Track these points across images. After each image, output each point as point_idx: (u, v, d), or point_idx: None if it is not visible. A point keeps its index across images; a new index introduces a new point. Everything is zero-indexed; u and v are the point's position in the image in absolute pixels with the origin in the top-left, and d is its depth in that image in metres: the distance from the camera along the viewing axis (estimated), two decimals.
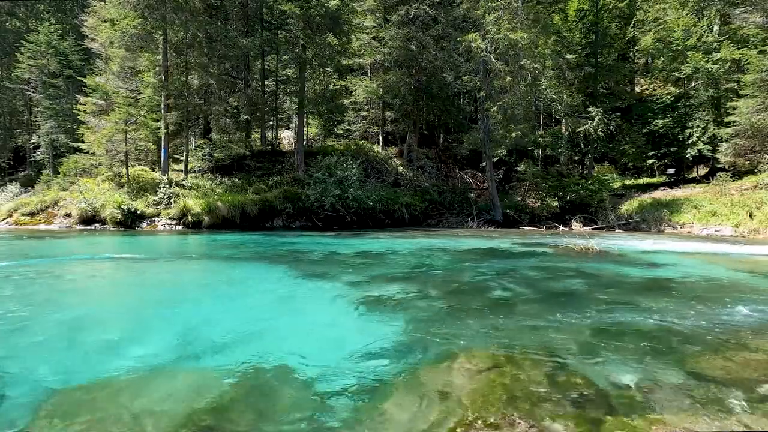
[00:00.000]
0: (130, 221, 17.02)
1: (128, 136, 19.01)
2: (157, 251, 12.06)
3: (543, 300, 6.10)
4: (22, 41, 27.50)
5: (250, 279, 7.97)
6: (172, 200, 18.02)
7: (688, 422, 2.74)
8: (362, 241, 14.09)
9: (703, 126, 21.98)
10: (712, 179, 21.14)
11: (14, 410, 2.94)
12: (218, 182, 20.00)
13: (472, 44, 20.02)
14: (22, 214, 18.56)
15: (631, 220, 19.57)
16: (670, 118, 23.47)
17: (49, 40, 26.96)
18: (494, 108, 20.49)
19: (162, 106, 19.52)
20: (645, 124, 24.50)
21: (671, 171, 24.13)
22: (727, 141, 20.21)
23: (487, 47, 20.35)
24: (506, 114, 21.50)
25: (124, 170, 19.60)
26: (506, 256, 10.80)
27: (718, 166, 21.90)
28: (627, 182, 25.71)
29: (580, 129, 22.80)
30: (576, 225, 20.43)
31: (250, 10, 22.59)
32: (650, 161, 24.62)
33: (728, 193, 18.49)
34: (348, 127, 27.91)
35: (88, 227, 17.02)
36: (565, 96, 23.44)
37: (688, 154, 22.74)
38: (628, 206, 20.48)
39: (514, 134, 21.10)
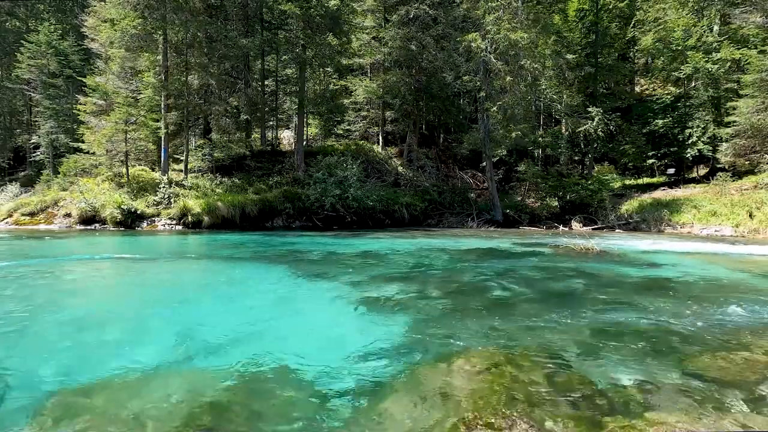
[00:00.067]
0: (130, 221, 17.02)
1: (128, 136, 19.01)
2: (157, 251, 12.06)
3: (543, 300, 6.10)
4: (22, 41, 27.50)
5: (249, 279, 7.97)
6: (172, 200, 18.02)
7: (687, 422, 2.74)
8: (362, 241, 14.09)
9: (703, 126, 21.98)
10: (712, 179, 21.14)
11: (14, 410, 2.94)
12: (218, 182, 20.00)
13: (472, 44, 20.02)
14: (22, 214, 18.56)
15: (631, 220, 19.57)
16: (670, 118, 23.47)
17: (49, 40, 26.97)
18: (494, 108, 20.49)
19: (162, 106, 19.52)
20: (645, 124, 24.50)
21: (671, 171, 24.14)
22: (727, 141, 20.21)
23: (487, 47, 20.35)
24: (506, 114, 21.50)
25: (124, 170, 19.60)
26: (506, 256, 10.79)
27: (718, 166, 21.90)
28: (627, 182, 25.71)
29: (580, 129, 22.80)
30: (576, 225, 20.43)
31: (250, 10, 22.59)
32: (650, 161, 24.62)
33: (728, 193, 18.49)
34: (348, 127, 27.91)
35: (88, 227, 17.02)
36: (565, 96, 23.44)
37: (688, 154, 22.75)
38: (628, 206, 20.48)
39: (514, 134, 21.11)
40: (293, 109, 25.98)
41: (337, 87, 27.00)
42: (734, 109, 19.57)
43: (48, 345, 4.27)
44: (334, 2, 22.33)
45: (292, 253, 10.99)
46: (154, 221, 17.47)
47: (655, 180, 25.56)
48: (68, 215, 17.84)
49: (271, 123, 26.21)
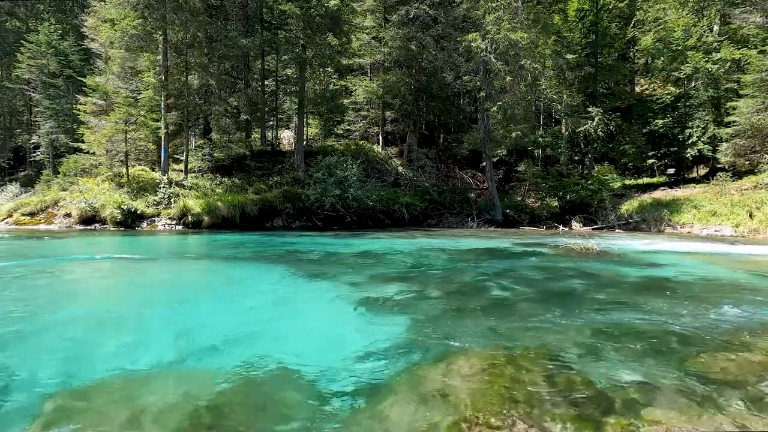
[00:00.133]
0: (130, 221, 17.02)
1: (128, 136, 19.01)
2: (157, 251, 12.07)
3: (543, 300, 6.10)
4: (22, 41, 27.51)
5: (249, 279, 7.97)
6: (172, 200, 18.03)
7: (687, 422, 2.75)
8: (362, 241, 14.09)
9: (703, 126, 21.98)
10: (712, 179, 21.14)
11: (13, 411, 2.94)
12: (218, 182, 20.00)
13: (472, 44, 20.02)
14: (22, 214, 18.56)
15: (631, 220, 19.57)
16: (670, 118, 23.47)
17: (49, 40, 26.97)
18: (494, 108, 20.50)
19: (162, 106, 19.52)
20: (645, 124, 24.50)
21: (671, 171, 24.14)
22: (727, 141, 20.21)
23: (487, 47, 20.35)
24: (506, 114, 21.51)
25: (124, 170, 19.60)
26: (506, 256, 10.79)
27: (718, 166, 21.89)
28: (627, 182, 25.71)
29: (580, 129, 22.80)
30: (576, 225, 20.43)
31: (250, 10, 22.59)
32: (650, 161, 24.62)
33: (728, 193, 18.49)
34: (348, 127, 27.91)
35: (88, 227, 17.02)
36: (565, 96, 23.44)
37: (688, 154, 22.74)
38: (628, 206, 20.48)
39: (514, 134, 21.11)
40: (293, 109, 25.98)
41: (337, 87, 27.00)
42: (734, 109, 19.57)
43: (48, 345, 4.27)
44: (334, 2, 22.33)
45: (291, 253, 10.99)
46: (154, 221, 17.47)
47: (655, 180, 25.56)
48: (68, 215, 17.84)
49: (271, 123, 26.21)
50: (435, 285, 7.11)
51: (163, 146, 19.69)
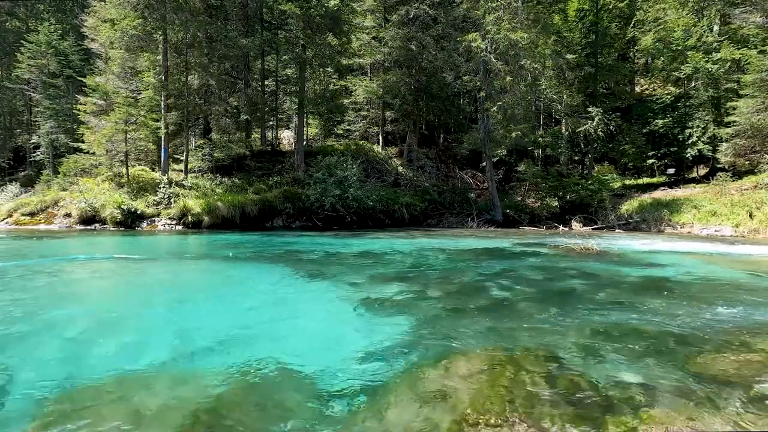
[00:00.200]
0: (130, 221, 17.02)
1: (128, 136, 19.01)
2: (157, 251, 12.07)
3: (543, 300, 6.10)
4: (22, 41, 27.51)
5: (249, 279, 7.97)
6: (172, 200, 18.03)
7: (687, 422, 2.75)
8: (362, 241, 14.10)
9: (703, 126, 21.98)
10: (712, 179, 21.14)
11: (12, 411, 2.94)
12: (218, 182, 20.00)
13: (472, 44, 20.02)
14: (22, 214, 18.56)
15: (631, 220, 19.57)
16: (670, 118, 23.47)
17: (49, 40, 26.97)
18: (494, 108, 20.49)
19: (162, 106, 19.52)
20: (645, 124, 24.50)
21: (671, 171, 24.14)
22: (727, 141, 20.21)
23: (487, 47, 20.35)
24: (506, 114, 21.51)
25: (124, 170, 19.60)
26: (506, 256, 10.80)
27: (718, 166, 21.89)
28: (627, 182, 25.71)
29: (580, 129, 22.80)
30: (576, 225, 20.43)
31: (250, 10, 22.59)
32: (650, 161, 24.62)
33: (728, 193, 18.49)
34: (348, 127, 27.91)
35: (88, 227, 17.02)
36: (565, 96, 23.44)
37: (688, 154, 22.74)
38: (628, 206, 20.48)
39: (514, 134, 21.11)
40: (293, 109, 25.98)
41: (337, 87, 27.00)
42: (734, 109, 19.57)
43: (47, 345, 4.27)
44: (334, 2, 22.34)
45: (291, 253, 10.99)
46: (154, 221, 17.47)
47: (655, 180, 25.55)
48: (68, 215, 17.84)
49: (271, 123, 26.21)
50: (435, 285, 7.11)
51: (163, 146, 19.69)
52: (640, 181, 25.77)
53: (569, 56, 22.23)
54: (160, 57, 19.47)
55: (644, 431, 2.67)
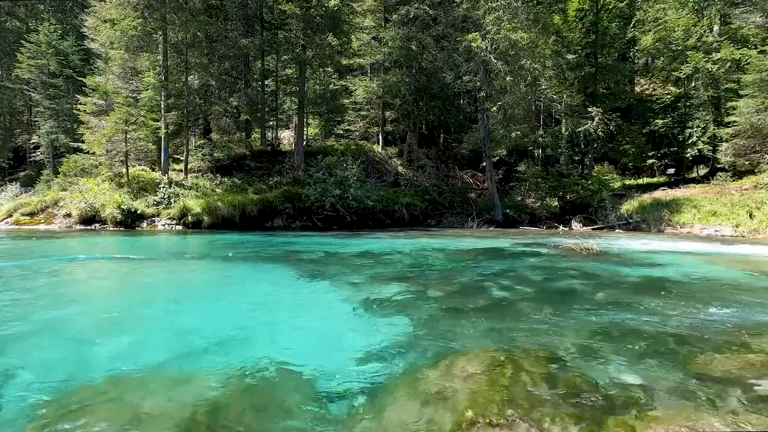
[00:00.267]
0: (130, 221, 17.02)
1: (128, 136, 19.00)
2: (157, 251, 12.06)
3: (543, 300, 6.10)
4: (22, 41, 27.53)
5: (249, 279, 7.97)
6: (172, 200, 18.02)
7: (687, 422, 2.74)
8: (362, 241, 14.09)
9: (703, 126, 21.98)
10: (712, 179, 21.14)
11: (11, 411, 2.94)
12: (218, 182, 20.01)
13: (472, 44, 20.02)
14: (22, 214, 18.55)
15: (631, 220, 19.56)
16: (670, 118, 23.48)
17: (49, 40, 26.98)
18: (494, 108, 20.49)
19: (162, 106, 19.52)
20: (645, 124, 24.50)
21: (671, 171, 24.14)
22: (727, 141, 20.21)
23: (487, 47, 20.34)
24: (506, 114, 21.50)
25: (124, 170, 19.60)
26: (506, 256, 10.79)
27: (718, 166, 21.89)
28: (627, 182, 25.71)
29: (580, 129, 22.79)
30: (576, 225, 20.43)
31: (250, 10, 22.61)
32: (650, 161, 24.62)
33: (728, 193, 18.49)
34: (348, 127, 27.93)
35: (88, 227, 17.01)
36: (565, 96, 23.44)
37: (688, 154, 22.74)
38: (628, 206, 20.47)
39: (514, 134, 21.12)
40: (293, 109, 25.98)
41: (337, 87, 27.00)
42: (734, 109, 19.57)
43: (46, 345, 4.27)
44: (334, 2, 22.33)
45: (291, 254, 10.99)
46: (154, 221, 17.47)
47: (655, 180, 25.55)
48: (68, 215, 17.83)
49: (271, 123, 26.22)
50: (435, 285, 7.10)
51: (163, 146, 19.69)
52: (640, 181, 25.77)
53: (569, 56, 22.23)
54: (160, 57, 19.48)
55: (644, 431, 2.66)
